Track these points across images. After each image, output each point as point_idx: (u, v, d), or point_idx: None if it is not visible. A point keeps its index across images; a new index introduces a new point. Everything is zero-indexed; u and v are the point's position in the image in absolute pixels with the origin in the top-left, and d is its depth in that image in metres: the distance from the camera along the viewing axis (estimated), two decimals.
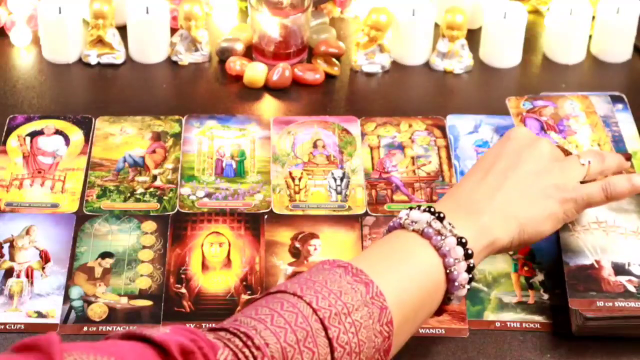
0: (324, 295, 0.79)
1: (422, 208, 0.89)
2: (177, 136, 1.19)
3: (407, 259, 0.86)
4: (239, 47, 1.30)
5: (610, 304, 0.94)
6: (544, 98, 1.19)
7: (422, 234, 0.87)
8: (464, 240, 0.87)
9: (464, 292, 0.88)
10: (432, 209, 0.89)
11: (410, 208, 0.90)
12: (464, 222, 0.89)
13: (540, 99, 1.19)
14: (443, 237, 0.86)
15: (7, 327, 0.98)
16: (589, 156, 0.98)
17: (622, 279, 0.97)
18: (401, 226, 0.89)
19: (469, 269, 0.87)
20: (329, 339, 0.78)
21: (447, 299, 0.88)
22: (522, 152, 0.95)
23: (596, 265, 0.98)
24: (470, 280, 0.88)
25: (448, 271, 0.86)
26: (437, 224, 0.87)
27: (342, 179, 1.14)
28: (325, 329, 0.78)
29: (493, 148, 0.97)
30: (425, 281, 0.86)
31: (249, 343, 0.75)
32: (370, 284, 0.82)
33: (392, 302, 0.82)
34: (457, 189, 0.94)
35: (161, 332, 0.72)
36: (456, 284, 0.87)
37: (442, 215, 0.88)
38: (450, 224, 0.87)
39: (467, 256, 0.87)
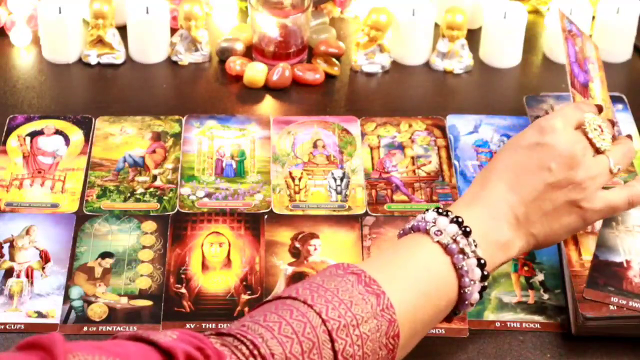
0: (334, 305, 0.79)
1: (450, 217, 0.88)
2: (177, 136, 1.19)
3: (426, 276, 0.85)
4: (239, 47, 1.30)
5: (625, 302, 0.93)
6: (574, 28, 1.13)
7: (445, 248, 0.86)
8: (483, 262, 0.86)
9: (470, 308, 0.88)
10: (459, 220, 0.87)
11: (438, 212, 0.88)
12: (488, 237, 0.88)
13: (573, 24, 1.13)
14: (465, 257, 0.86)
15: (7, 327, 0.98)
16: (620, 160, 0.96)
17: None
18: (426, 231, 0.88)
19: (481, 288, 0.87)
20: (335, 352, 0.78)
21: (452, 312, 0.88)
22: (551, 162, 0.91)
23: (625, 265, 0.97)
24: (480, 297, 0.88)
25: (462, 291, 0.86)
26: (462, 241, 0.86)
27: (342, 179, 1.14)
28: (332, 340, 0.78)
29: (523, 146, 0.93)
30: (439, 300, 0.85)
31: (255, 352, 0.75)
32: (382, 295, 0.81)
33: (404, 317, 0.82)
34: (487, 190, 0.91)
35: (168, 337, 0.72)
36: (466, 302, 0.87)
37: (468, 229, 0.87)
38: (474, 241, 0.87)
39: (483, 277, 0.87)
